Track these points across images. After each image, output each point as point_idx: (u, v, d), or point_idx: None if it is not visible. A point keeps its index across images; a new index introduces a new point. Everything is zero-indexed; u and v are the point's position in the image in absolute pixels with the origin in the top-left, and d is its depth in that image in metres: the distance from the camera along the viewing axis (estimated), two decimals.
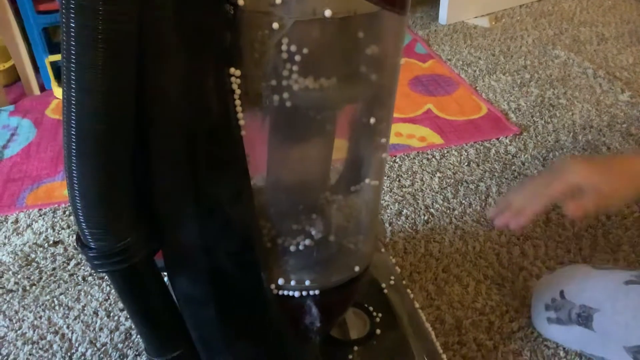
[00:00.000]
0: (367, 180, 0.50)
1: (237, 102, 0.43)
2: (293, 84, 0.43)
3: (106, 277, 0.88)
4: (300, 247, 0.50)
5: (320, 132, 0.48)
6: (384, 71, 0.46)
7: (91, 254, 0.44)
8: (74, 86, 0.36)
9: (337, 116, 0.48)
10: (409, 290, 0.77)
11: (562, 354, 0.74)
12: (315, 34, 0.41)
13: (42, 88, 1.44)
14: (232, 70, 0.41)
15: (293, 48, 0.41)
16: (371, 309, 0.69)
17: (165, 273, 0.49)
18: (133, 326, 0.79)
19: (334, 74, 0.44)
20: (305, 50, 0.41)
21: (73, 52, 0.35)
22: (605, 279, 0.70)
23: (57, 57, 1.38)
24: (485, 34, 1.72)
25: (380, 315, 0.68)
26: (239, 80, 0.42)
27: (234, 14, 0.40)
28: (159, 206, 0.45)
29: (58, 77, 1.39)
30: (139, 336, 0.77)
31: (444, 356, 0.69)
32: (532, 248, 0.92)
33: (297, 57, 0.41)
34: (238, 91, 0.43)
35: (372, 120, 0.47)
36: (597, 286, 0.70)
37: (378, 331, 0.66)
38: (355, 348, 0.64)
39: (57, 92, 1.40)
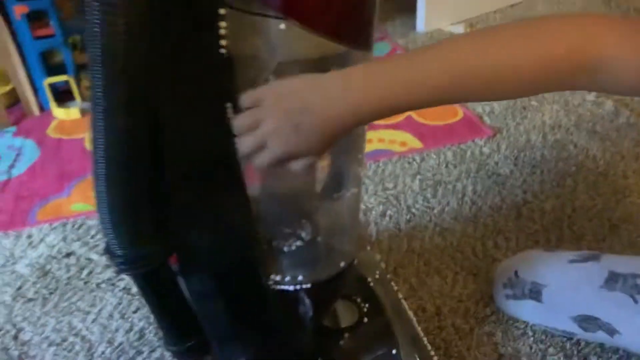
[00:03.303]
0: (347, 189, 0.59)
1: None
2: None
3: (118, 283, 0.96)
4: (293, 248, 0.59)
5: None
6: None
7: (117, 260, 0.52)
8: (100, 125, 0.45)
9: None
10: (393, 283, 0.86)
11: (529, 332, 0.84)
12: (295, 73, 0.49)
13: (41, 109, 1.52)
14: (229, 104, 0.50)
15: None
16: (359, 300, 0.78)
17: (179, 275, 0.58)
18: (146, 325, 0.87)
19: None
20: None
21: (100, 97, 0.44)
22: (553, 259, 0.80)
23: (55, 79, 1.45)
24: None
25: (367, 305, 0.77)
26: None
27: (229, 57, 0.48)
28: (175, 218, 0.53)
29: (57, 99, 1.47)
30: (152, 333, 0.86)
31: (425, 340, 0.78)
32: (505, 240, 1.01)
33: None
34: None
35: (349, 139, 0.56)
36: (545, 265, 0.80)
37: (365, 320, 0.75)
38: (346, 335, 0.73)
39: (56, 112, 1.47)
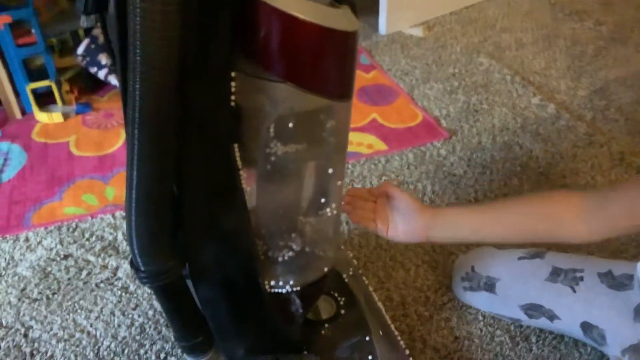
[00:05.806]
0: (329, 208, 0.71)
1: (239, 163, 0.63)
2: (277, 150, 0.63)
3: (116, 282, 1.06)
4: (285, 258, 0.71)
5: (296, 177, 0.69)
6: (339, 135, 0.67)
7: (142, 275, 0.63)
8: (136, 170, 0.55)
9: (308, 166, 0.68)
10: (364, 277, 0.99)
11: (480, 317, 0.98)
12: (291, 121, 0.61)
13: (23, 112, 1.57)
14: (235, 145, 0.61)
15: (277, 129, 0.61)
16: (336, 294, 0.90)
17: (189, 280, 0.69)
18: (146, 320, 0.98)
19: (304, 141, 0.64)
20: (285, 130, 0.61)
21: (137, 149, 0.54)
22: (504, 256, 0.95)
23: (37, 84, 1.51)
24: (419, 43, 1.94)
25: (343, 299, 0.90)
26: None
27: (237, 108, 0.59)
28: (189, 236, 0.64)
29: (39, 103, 1.53)
30: (151, 328, 0.96)
31: (392, 326, 0.92)
32: None
33: (280, 134, 0.61)
34: (238, 155, 0.62)
35: (330, 170, 0.67)
36: (498, 261, 0.94)
37: (342, 311, 0.88)
38: (326, 325, 0.86)
39: (39, 116, 1.53)
